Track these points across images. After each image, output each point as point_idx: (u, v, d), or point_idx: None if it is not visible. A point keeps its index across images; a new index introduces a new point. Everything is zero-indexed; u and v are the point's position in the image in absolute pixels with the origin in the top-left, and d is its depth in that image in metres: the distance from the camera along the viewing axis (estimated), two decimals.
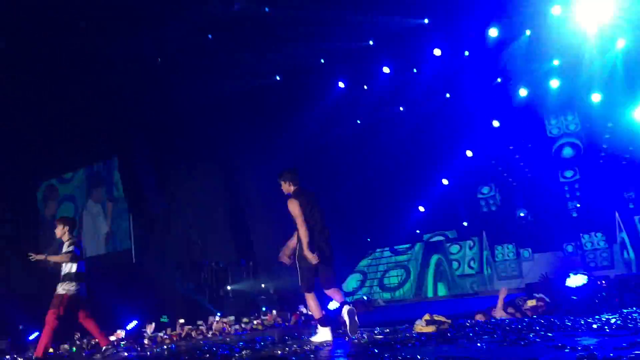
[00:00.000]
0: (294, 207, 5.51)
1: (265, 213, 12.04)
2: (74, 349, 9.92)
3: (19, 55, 11.43)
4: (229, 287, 11.86)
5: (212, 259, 12.20)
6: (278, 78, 12.78)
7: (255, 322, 10.34)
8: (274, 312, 10.29)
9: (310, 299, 5.62)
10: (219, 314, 11.29)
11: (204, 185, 12.78)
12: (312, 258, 5.37)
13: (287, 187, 5.82)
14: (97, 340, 7.34)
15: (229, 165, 12.51)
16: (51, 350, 8.93)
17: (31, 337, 11.30)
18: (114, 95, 11.95)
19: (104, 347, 6.83)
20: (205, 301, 11.95)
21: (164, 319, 11.13)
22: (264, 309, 11.13)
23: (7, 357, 8.37)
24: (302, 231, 5.42)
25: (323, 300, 6.32)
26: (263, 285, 11.67)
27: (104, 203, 14.27)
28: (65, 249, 6.59)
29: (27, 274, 12.97)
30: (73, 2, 10.43)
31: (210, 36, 11.65)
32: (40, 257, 6.55)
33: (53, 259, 6.59)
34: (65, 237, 6.66)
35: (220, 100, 12.06)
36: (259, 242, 12.01)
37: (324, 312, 5.71)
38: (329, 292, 5.60)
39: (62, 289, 6.45)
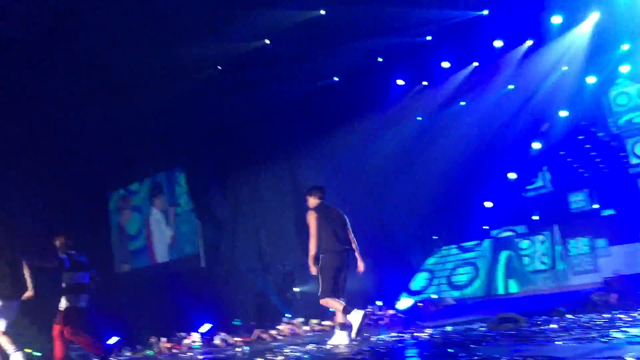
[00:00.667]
0: (311, 219, 6.26)
1: None
2: (151, 352, 10.25)
3: (85, 72, 11.95)
4: (296, 289, 11.95)
5: (280, 262, 12.34)
6: (336, 79, 12.79)
7: (324, 323, 10.39)
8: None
9: (332, 302, 6.15)
10: (288, 315, 11.40)
11: (269, 188, 12.95)
12: (312, 269, 6.14)
13: (312, 202, 6.45)
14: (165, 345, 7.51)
15: (293, 167, 12.60)
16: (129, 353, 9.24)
17: (110, 342, 11.78)
18: (177, 103, 12.30)
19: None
20: (275, 303, 12.10)
21: (237, 322, 11.34)
22: (332, 309, 11.14)
23: None
24: (311, 242, 6.19)
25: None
26: None
27: (167, 210, 14.73)
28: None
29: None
30: (135, 14, 10.81)
31: (268, 41, 11.81)
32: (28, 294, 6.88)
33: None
34: (61, 250, 6.91)
35: (281, 103, 12.19)
36: None
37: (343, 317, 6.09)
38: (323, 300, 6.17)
39: (62, 302, 6.75)
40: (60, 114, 13.26)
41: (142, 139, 13.25)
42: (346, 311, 6.01)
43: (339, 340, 6.02)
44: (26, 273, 7.22)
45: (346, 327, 6.05)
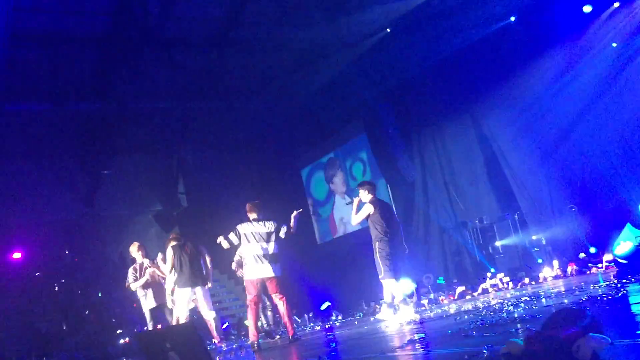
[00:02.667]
0: (369, 209, 7.64)
1: (522, 159, 11.40)
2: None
3: (263, 56, 12.60)
4: (497, 243, 11.53)
5: (475, 217, 11.99)
6: (513, 19, 11.90)
7: (527, 280, 9.92)
8: (556, 263, 9.72)
9: (391, 284, 7.55)
10: (492, 269, 11.08)
11: (455, 142, 12.59)
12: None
13: (365, 196, 7.76)
14: None
15: (477, 116, 12.08)
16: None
17: (322, 307, 12.47)
18: (353, 71, 12.45)
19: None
20: (476, 259, 11.82)
21: (441, 280, 11.31)
22: (540, 261, 10.59)
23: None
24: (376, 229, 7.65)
25: None
26: (534, 237, 11.07)
27: (348, 182, 15.06)
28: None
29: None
30: None
31: None
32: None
33: None
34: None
35: (457, 54, 11.71)
36: (522, 192, 11.40)
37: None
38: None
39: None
40: (244, 98, 14.27)
41: (325, 113, 13.70)
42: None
43: (385, 316, 7.72)
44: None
45: (392, 305, 7.61)
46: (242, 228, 7.53)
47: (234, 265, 9.68)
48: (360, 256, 13.91)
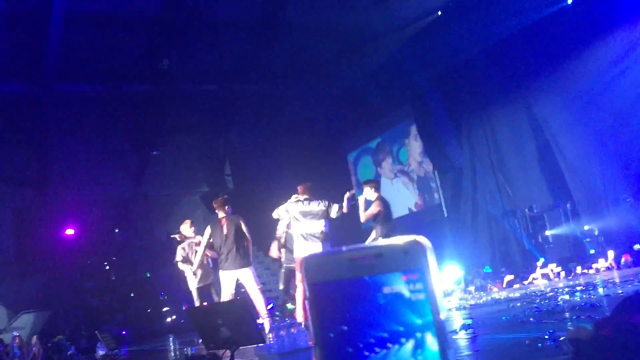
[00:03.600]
0: (379, 207, 7.87)
1: (575, 146, 11.06)
2: None
3: (311, 42, 12.57)
4: (547, 233, 11.25)
5: (525, 205, 11.72)
6: (570, 1, 11.50)
7: (580, 268, 9.65)
8: (611, 253, 9.42)
9: None
10: (542, 259, 10.83)
11: (504, 128, 12.30)
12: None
13: (372, 194, 7.98)
14: None
15: (529, 101, 11.76)
16: None
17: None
18: (399, 57, 12.30)
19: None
20: (525, 248, 11.57)
21: (487, 269, 11.13)
22: (592, 251, 10.29)
23: None
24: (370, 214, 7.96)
25: None
26: (586, 227, 10.75)
27: (393, 168, 14.94)
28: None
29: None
30: None
31: None
32: None
33: None
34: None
35: (510, 38, 11.41)
36: (575, 180, 11.08)
37: None
38: None
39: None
40: (291, 81, 14.29)
41: (372, 97, 13.59)
42: None
43: None
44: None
45: None
46: (292, 206, 7.60)
47: (274, 251, 9.19)
48: None
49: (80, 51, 12.33)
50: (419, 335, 0.58)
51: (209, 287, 9.30)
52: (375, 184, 8.29)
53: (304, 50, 13.19)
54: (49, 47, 11.21)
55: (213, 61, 13.35)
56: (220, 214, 8.04)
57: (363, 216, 8.06)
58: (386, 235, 7.79)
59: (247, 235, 8.07)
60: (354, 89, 13.85)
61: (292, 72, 14.21)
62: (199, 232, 9.67)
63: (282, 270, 8.88)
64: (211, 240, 8.07)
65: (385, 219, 7.94)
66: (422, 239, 0.61)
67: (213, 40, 12.42)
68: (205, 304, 9.03)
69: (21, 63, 12.45)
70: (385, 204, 8.04)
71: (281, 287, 8.89)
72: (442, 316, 0.59)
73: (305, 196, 7.70)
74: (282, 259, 8.71)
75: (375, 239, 7.90)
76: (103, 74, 13.16)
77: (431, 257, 0.60)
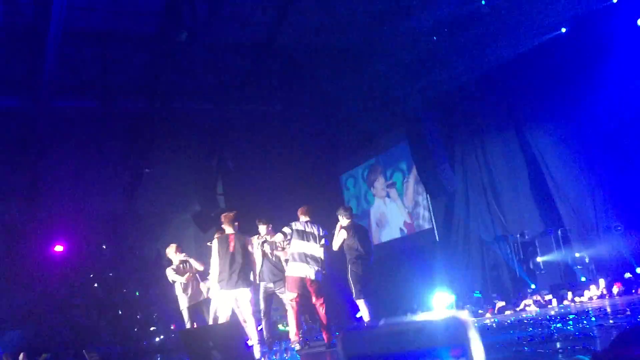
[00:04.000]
0: (343, 235, 8.04)
1: (566, 172, 11.14)
2: None
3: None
4: (539, 259, 11.27)
5: (517, 231, 11.75)
6: (564, 30, 11.67)
7: (570, 295, 9.66)
8: (602, 281, 9.44)
9: (362, 304, 8.06)
10: (533, 286, 10.83)
11: (497, 153, 12.38)
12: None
13: (343, 221, 8.14)
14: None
15: (521, 127, 11.87)
16: None
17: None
18: (399, 78, 12.39)
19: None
20: (516, 275, 11.56)
21: (477, 294, 11.11)
22: (583, 279, 10.31)
23: None
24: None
25: None
26: (577, 254, 10.79)
27: (387, 190, 14.97)
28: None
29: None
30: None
31: (483, 1, 11.25)
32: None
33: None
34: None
35: (505, 64, 11.53)
36: (566, 206, 11.13)
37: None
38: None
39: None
40: (286, 102, 14.35)
41: (366, 119, 13.66)
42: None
43: None
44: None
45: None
46: (296, 225, 7.65)
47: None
48: (396, 265, 13.83)
49: (77, 67, 12.35)
50: None
51: (200, 305, 9.23)
52: (345, 211, 8.32)
53: (299, 71, 13.29)
54: (45, 62, 11.20)
55: (209, 80, 13.41)
56: (229, 230, 7.90)
57: (333, 244, 8.11)
58: (353, 262, 7.98)
59: (253, 256, 8.04)
60: (348, 111, 13.92)
61: (286, 93, 14.28)
62: (187, 254, 9.60)
63: (262, 293, 8.81)
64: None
65: (354, 245, 8.00)
66: (462, 314, 0.63)
67: (209, 60, 12.48)
68: (195, 324, 8.94)
69: (16, 78, 12.43)
70: (355, 230, 8.14)
71: (262, 309, 8.82)
72: None
73: (307, 217, 7.71)
74: (258, 281, 8.64)
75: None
76: (98, 90, 13.15)
77: (472, 333, 0.61)
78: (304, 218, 7.73)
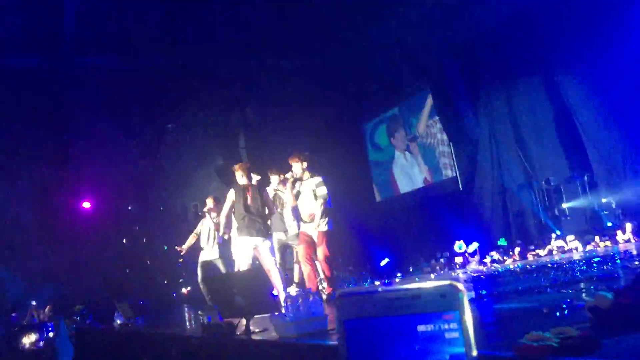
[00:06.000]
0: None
1: (595, 117, 10.87)
2: None
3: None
4: (564, 205, 11.15)
5: (542, 177, 11.60)
6: None
7: (601, 239, 9.57)
8: (629, 226, 9.32)
9: None
10: (558, 232, 10.75)
11: (522, 98, 12.11)
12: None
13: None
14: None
15: (548, 71, 11.54)
16: None
17: (382, 264, 12.49)
18: (423, 25, 12.10)
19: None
20: (542, 221, 11.48)
21: (502, 242, 11.08)
22: (609, 224, 10.19)
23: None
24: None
25: None
26: (604, 200, 10.64)
27: (407, 141, 14.86)
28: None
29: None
30: None
31: None
32: None
33: None
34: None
35: (531, 6, 11.14)
36: (594, 151, 10.92)
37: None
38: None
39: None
40: (308, 54, 14.16)
41: (390, 68, 13.44)
42: None
43: None
44: None
45: None
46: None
47: None
48: (419, 214, 13.83)
49: (97, 23, 12.30)
50: None
51: (214, 262, 9.41)
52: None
53: (320, 20, 13.03)
54: (65, 19, 11.18)
55: (229, 35, 13.25)
56: (244, 182, 7.92)
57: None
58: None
59: (270, 206, 7.92)
60: (371, 60, 13.69)
61: (308, 44, 14.06)
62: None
63: (275, 244, 8.74)
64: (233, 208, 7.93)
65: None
66: (457, 283, 0.65)
67: (230, 13, 12.31)
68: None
69: (37, 36, 12.44)
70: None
71: (279, 261, 8.62)
72: (474, 353, 0.63)
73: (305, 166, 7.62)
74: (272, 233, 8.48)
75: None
76: (119, 47, 13.12)
77: (465, 300, 0.64)
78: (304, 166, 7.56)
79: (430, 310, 0.63)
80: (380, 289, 0.68)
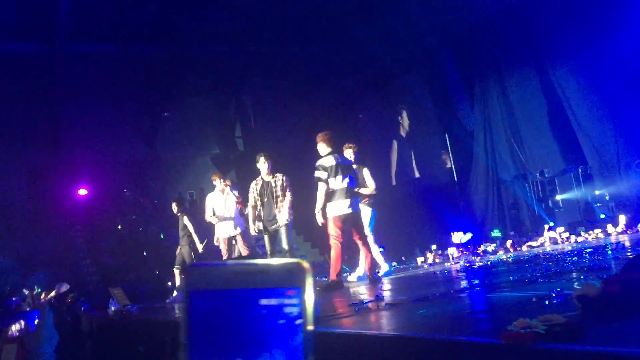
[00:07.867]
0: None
1: (590, 110, 10.92)
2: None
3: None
4: (558, 197, 11.22)
5: (537, 169, 11.67)
6: None
7: (593, 231, 9.64)
8: (622, 218, 9.38)
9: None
10: (551, 223, 10.83)
11: (518, 91, 12.15)
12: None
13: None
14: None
15: (543, 64, 11.58)
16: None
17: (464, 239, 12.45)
18: (419, 16, 12.09)
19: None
20: (534, 212, 11.56)
21: (496, 233, 11.16)
22: (602, 216, 10.27)
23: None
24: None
25: None
26: (597, 192, 10.72)
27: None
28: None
29: None
30: None
31: None
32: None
33: None
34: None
35: (524, 3, 11.15)
36: (588, 144, 10.98)
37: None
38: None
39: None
40: (304, 43, 14.13)
41: (386, 59, 13.42)
42: None
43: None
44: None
45: None
46: (326, 161, 6.68)
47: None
48: (415, 204, 13.87)
49: (93, 11, 12.25)
50: (289, 342, 0.66)
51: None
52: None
53: (316, 10, 13.00)
54: (61, 5, 11.13)
55: (225, 22, 13.21)
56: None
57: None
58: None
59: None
60: (367, 51, 13.67)
61: (304, 34, 14.04)
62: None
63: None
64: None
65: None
66: (303, 261, 0.69)
67: (227, 2, 12.27)
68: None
69: (32, 22, 12.39)
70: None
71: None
72: (310, 327, 0.66)
73: (330, 148, 6.85)
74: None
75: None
76: (114, 33, 13.08)
77: (309, 278, 0.68)
78: (328, 149, 6.82)
79: (275, 285, 0.67)
80: (229, 262, 0.72)
